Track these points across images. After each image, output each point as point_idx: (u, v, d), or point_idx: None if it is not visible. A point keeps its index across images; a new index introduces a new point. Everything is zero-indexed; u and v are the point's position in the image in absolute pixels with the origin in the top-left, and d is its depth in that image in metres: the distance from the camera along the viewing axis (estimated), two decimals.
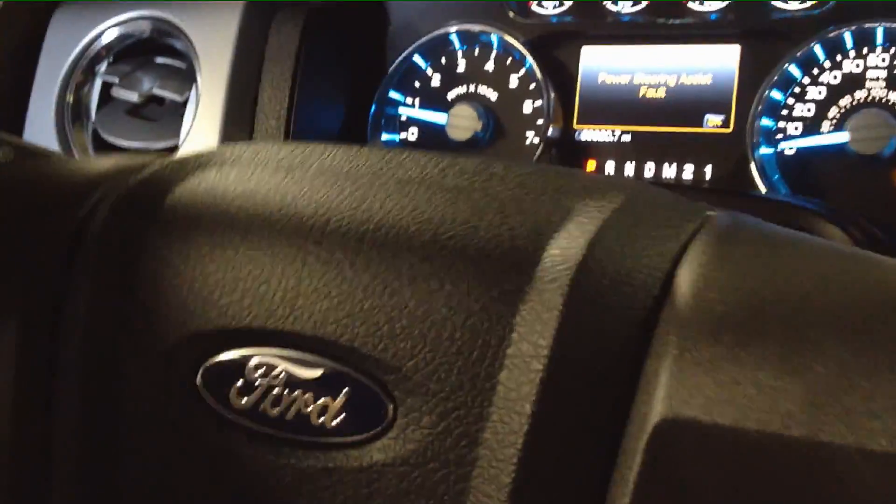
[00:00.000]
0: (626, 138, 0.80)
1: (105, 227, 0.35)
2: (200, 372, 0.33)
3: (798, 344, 0.28)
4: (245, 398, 0.32)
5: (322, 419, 0.31)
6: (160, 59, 0.86)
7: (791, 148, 0.74)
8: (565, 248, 0.31)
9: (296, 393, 0.32)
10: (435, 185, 0.33)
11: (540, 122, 0.81)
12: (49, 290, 0.35)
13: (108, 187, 0.36)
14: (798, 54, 0.73)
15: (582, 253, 0.30)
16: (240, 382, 0.32)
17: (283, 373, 0.32)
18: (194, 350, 0.33)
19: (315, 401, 0.31)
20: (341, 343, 0.31)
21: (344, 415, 0.31)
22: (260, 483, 0.32)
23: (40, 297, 0.35)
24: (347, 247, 0.32)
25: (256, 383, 0.32)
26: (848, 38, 0.73)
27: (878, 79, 0.72)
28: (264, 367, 0.32)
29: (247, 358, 0.32)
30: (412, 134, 0.86)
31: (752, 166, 0.74)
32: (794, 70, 0.74)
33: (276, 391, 0.32)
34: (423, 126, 0.85)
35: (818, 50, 0.73)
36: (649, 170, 0.79)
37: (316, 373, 0.32)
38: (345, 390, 0.31)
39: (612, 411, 0.29)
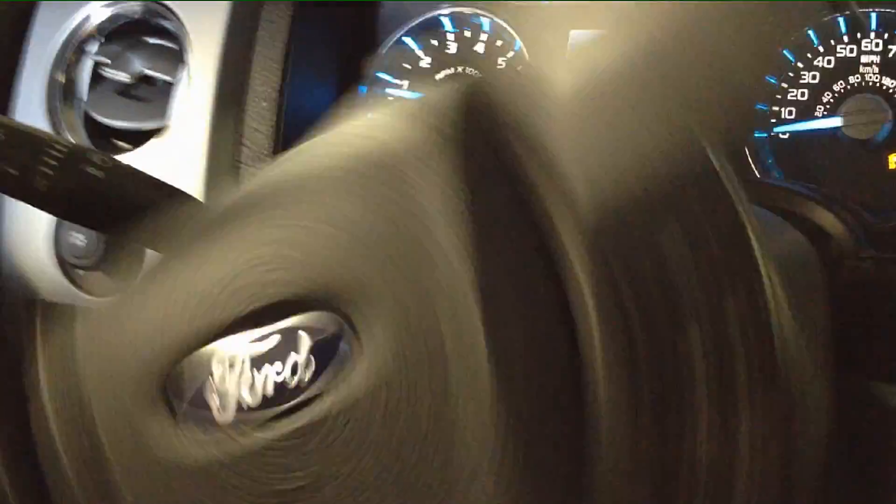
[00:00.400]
0: None
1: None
2: (174, 402, 0.33)
3: None
4: (224, 403, 0.32)
5: (299, 377, 0.31)
6: (151, 40, 0.85)
7: (784, 132, 0.74)
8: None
9: (265, 368, 0.32)
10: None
11: None
12: None
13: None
14: (792, 38, 0.73)
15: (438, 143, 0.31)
16: (216, 396, 0.32)
17: (245, 358, 0.32)
18: (163, 384, 0.33)
19: (284, 365, 0.32)
20: (285, 300, 0.32)
21: (315, 361, 0.31)
22: (274, 467, 0.32)
23: None
24: (253, 218, 0.33)
25: (227, 384, 0.32)
26: (841, 22, 0.72)
27: (871, 64, 0.72)
28: (227, 366, 0.32)
29: (209, 364, 0.33)
30: None
31: (745, 150, 0.74)
32: (787, 54, 0.73)
33: (248, 380, 0.32)
34: None
35: (812, 34, 0.73)
36: None
37: (274, 340, 0.32)
38: (306, 339, 0.31)
39: (540, 231, 0.30)
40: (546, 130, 0.30)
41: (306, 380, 0.31)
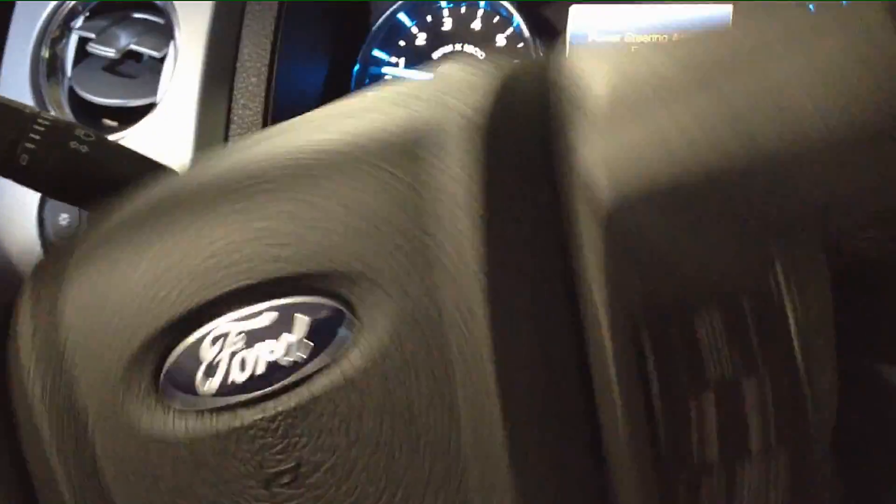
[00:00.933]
0: None
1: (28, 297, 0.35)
2: (163, 376, 0.32)
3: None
4: (212, 378, 0.31)
5: (293, 357, 0.31)
6: (138, 14, 0.83)
7: None
8: (454, 104, 0.31)
9: (259, 346, 0.31)
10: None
11: None
12: None
13: None
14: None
15: (477, 99, 0.30)
16: (202, 367, 0.31)
17: (239, 334, 0.31)
18: (148, 359, 0.32)
19: (279, 344, 0.31)
20: (283, 278, 0.31)
21: (312, 342, 0.30)
22: (258, 447, 0.31)
23: None
24: (253, 191, 0.31)
25: (218, 359, 0.31)
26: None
27: None
28: (221, 339, 0.31)
29: (200, 339, 0.32)
30: None
31: None
32: None
33: (240, 355, 0.31)
34: None
35: (811, 9, 0.72)
36: None
37: (270, 317, 0.31)
38: (304, 319, 0.31)
39: (557, 222, 0.29)
40: (578, 132, 0.29)
41: (300, 361, 0.30)
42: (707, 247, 0.28)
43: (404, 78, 0.84)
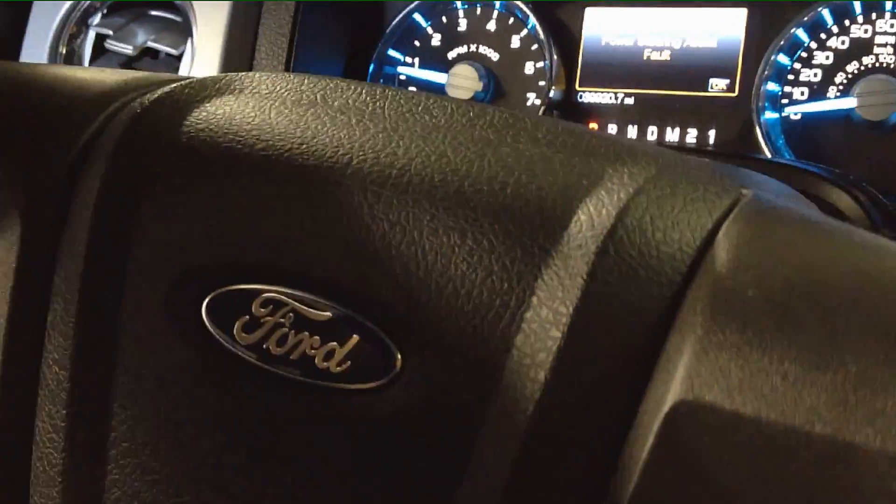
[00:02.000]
0: (629, 101, 0.78)
1: (115, 146, 0.33)
2: (206, 302, 0.32)
3: (830, 337, 0.26)
4: (250, 334, 0.31)
5: (327, 363, 0.30)
6: (155, 12, 0.84)
7: (796, 113, 0.74)
8: (594, 213, 0.29)
9: (303, 334, 0.31)
10: (462, 135, 0.32)
11: (542, 83, 0.80)
12: (52, 205, 0.33)
13: (122, 103, 0.35)
14: (805, 18, 0.72)
15: (611, 221, 0.29)
16: (246, 317, 0.31)
17: (292, 312, 0.31)
18: (202, 280, 0.32)
19: (322, 344, 0.31)
20: (354, 288, 0.30)
21: (350, 362, 0.30)
22: (258, 419, 0.31)
23: (43, 212, 0.33)
24: (368, 190, 0.31)
25: (263, 320, 0.31)
26: (856, 2, 0.72)
27: (886, 44, 0.71)
28: (272, 305, 0.31)
29: (256, 293, 0.31)
30: None
31: (757, 130, 0.74)
32: (801, 34, 0.73)
33: (282, 330, 0.31)
34: (423, 86, 0.84)
35: (826, 14, 0.72)
36: (652, 133, 0.78)
37: (325, 315, 0.31)
38: (353, 337, 0.30)
39: (629, 388, 0.28)
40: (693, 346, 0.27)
41: (332, 372, 0.30)
42: None
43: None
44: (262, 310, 0.31)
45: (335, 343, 0.31)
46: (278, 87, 0.35)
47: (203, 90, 0.35)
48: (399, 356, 0.30)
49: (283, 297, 0.31)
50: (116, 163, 0.33)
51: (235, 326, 0.31)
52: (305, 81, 0.35)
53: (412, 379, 0.30)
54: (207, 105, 0.34)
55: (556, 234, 0.29)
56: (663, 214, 0.30)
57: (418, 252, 0.30)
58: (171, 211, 0.32)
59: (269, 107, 0.34)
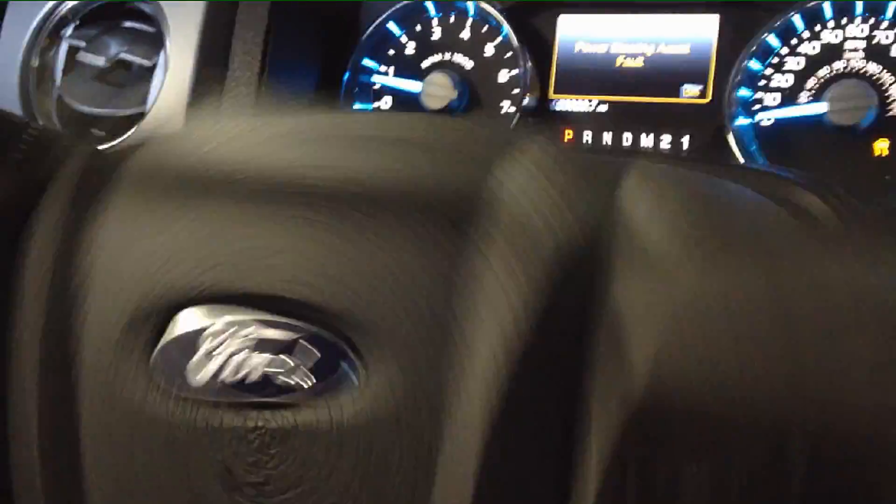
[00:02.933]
0: (603, 108, 0.79)
1: (59, 194, 0.34)
2: (159, 346, 0.32)
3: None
4: (205, 367, 0.31)
5: (289, 380, 0.30)
6: (128, 23, 0.84)
7: (769, 118, 0.74)
8: (523, 195, 0.30)
9: (261, 355, 0.31)
10: (391, 142, 0.33)
11: (516, 91, 0.80)
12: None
13: (66, 154, 0.35)
14: (777, 24, 0.73)
15: (533, 208, 0.30)
16: (201, 352, 0.31)
17: (248, 335, 0.31)
18: (151, 324, 0.32)
19: (281, 362, 0.30)
20: (308, 302, 0.30)
21: (312, 374, 0.30)
22: (230, 451, 0.31)
23: None
24: (310, 205, 0.31)
25: (217, 350, 0.31)
26: (827, 7, 0.72)
27: (856, 49, 0.72)
28: (228, 331, 0.31)
29: (204, 328, 0.31)
30: (386, 103, 0.85)
31: (730, 136, 0.74)
32: (772, 40, 0.73)
33: (239, 356, 0.31)
34: (398, 94, 0.84)
35: (797, 20, 0.73)
36: (627, 140, 0.78)
37: (280, 333, 0.31)
38: (311, 350, 0.30)
39: (580, 368, 0.29)
40: (626, 285, 0.29)
41: (294, 386, 0.30)
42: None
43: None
44: (218, 338, 0.31)
45: (295, 358, 0.30)
46: (212, 128, 0.36)
47: (135, 146, 0.36)
48: (359, 363, 0.30)
49: (238, 320, 0.31)
50: (61, 210, 0.33)
51: (191, 362, 0.31)
52: (240, 120, 0.36)
53: (375, 383, 0.30)
54: (144, 150, 0.35)
55: (496, 218, 0.30)
56: (581, 188, 0.31)
57: (368, 257, 0.30)
58: (115, 253, 0.32)
59: (205, 141, 0.34)
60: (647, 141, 0.77)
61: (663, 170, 0.32)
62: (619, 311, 0.28)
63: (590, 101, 0.79)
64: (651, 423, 0.27)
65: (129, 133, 0.78)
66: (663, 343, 0.28)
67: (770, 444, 0.27)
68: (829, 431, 0.27)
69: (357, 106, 0.85)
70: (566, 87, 0.80)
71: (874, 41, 0.71)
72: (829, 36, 0.72)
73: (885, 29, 0.71)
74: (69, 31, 0.84)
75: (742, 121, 0.74)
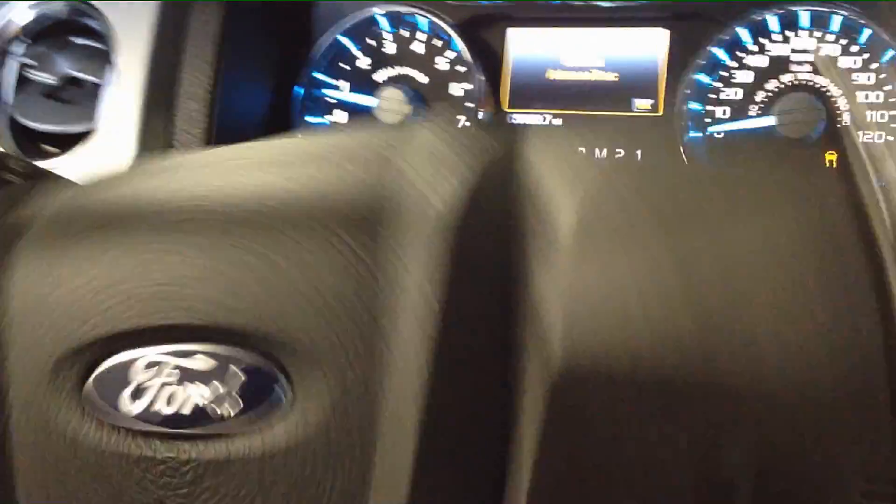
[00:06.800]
0: (558, 122, 0.78)
1: None
2: (89, 383, 0.32)
3: None
4: (137, 401, 0.31)
5: (220, 409, 0.30)
6: (78, 40, 0.83)
7: (719, 132, 0.74)
8: (419, 179, 0.31)
9: (190, 386, 0.31)
10: (293, 162, 0.33)
11: (470, 105, 0.80)
12: None
13: None
14: (724, 37, 0.73)
15: (441, 179, 0.30)
16: (131, 387, 0.31)
17: (174, 368, 0.31)
18: (79, 363, 0.32)
19: (211, 391, 0.30)
20: (229, 328, 0.30)
21: (242, 401, 0.30)
22: (163, 483, 0.31)
23: None
24: (217, 231, 0.31)
25: (147, 384, 0.31)
26: (773, 20, 0.72)
27: (803, 62, 0.72)
28: (155, 367, 0.31)
29: (134, 360, 0.31)
30: (340, 117, 0.84)
31: (682, 150, 0.74)
32: (720, 53, 0.73)
33: (169, 389, 0.31)
34: (352, 109, 0.84)
35: (744, 33, 0.73)
36: (581, 154, 0.78)
37: (207, 362, 0.31)
38: (239, 376, 0.30)
39: (504, 351, 0.29)
40: (540, 266, 0.29)
41: (226, 416, 0.30)
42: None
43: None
44: (146, 374, 0.31)
45: (224, 386, 0.30)
46: (119, 171, 0.37)
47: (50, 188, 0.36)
48: (288, 384, 0.30)
49: (163, 355, 0.31)
50: None
51: (122, 396, 0.31)
52: (145, 160, 0.37)
53: (305, 403, 0.30)
54: (56, 195, 0.35)
55: (400, 220, 0.30)
56: (466, 166, 0.31)
57: (282, 275, 0.30)
58: (35, 301, 0.33)
59: (114, 184, 0.35)
60: (601, 155, 0.77)
61: (555, 133, 0.33)
62: (536, 293, 0.29)
63: (543, 115, 0.79)
64: (575, 403, 0.28)
65: (76, 148, 0.78)
66: (575, 321, 0.28)
67: (688, 405, 0.27)
68: (744, 386, 0.27)
69: (311, 120, 0.84)
70: (520, 102, 0.80)
71: (821, 53, 0.71)
72: (777, 49, 0.73)
73: (832, 42, 0.71)
74: (20, 49, 0.83)
75: (694, 134, 0.74)
